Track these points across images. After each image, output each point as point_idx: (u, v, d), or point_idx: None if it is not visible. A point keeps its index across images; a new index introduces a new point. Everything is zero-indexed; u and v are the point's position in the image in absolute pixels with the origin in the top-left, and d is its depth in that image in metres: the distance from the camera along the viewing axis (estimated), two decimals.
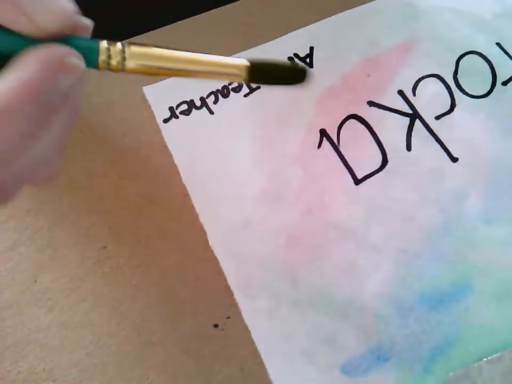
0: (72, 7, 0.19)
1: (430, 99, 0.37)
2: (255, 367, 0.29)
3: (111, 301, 0.31)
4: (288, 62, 0.24)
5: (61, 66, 0.19)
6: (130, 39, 0.20)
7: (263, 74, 0.23)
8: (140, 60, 0.20)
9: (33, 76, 0.18)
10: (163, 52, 0.21)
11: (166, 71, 0.21)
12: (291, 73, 0.24)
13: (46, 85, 0.19)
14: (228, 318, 0.30)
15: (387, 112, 0.36)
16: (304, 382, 0.29)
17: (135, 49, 0.20)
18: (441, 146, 0.35)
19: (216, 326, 0.30)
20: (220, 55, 0.42)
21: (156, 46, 0.21)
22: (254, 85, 0.37)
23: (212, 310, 0.30)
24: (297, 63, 0.23)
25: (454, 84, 0.37)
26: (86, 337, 0.30)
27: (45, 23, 0.19)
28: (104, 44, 0.20)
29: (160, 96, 0.37)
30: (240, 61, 0.22)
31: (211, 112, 0.36)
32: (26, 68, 0.18)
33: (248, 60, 0.22)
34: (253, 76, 0.22)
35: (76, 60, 0.19)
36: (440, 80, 0.37)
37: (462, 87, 0.37)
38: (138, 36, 0.39)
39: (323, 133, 0.35)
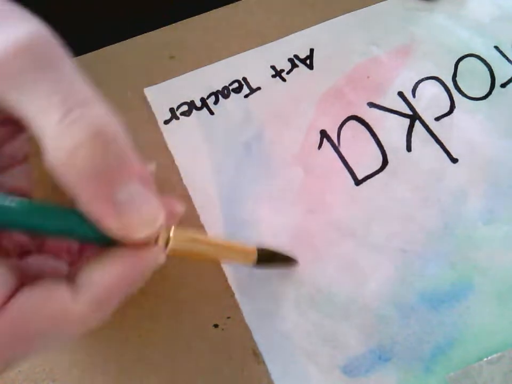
0: (163, 217, 0.21)
1: (430, 101, 0.37)
2: (255, 367, 0.29)
3: None
4: (284, 252, 0.30)
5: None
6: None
7: (267, 259, 0.29)
8: (179, 242, 0.23)
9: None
10: (199, 239, 0.25)
11: (198, 255, 0.25)
12: (286, 261, 0.30)
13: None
14: (228, 318, 0.30)
15: (387, 113, 0.36)
16: (305, 382, 0.28)
17: (177, 232, 0.22)
18: (441, 147, 0.35)
19: (216, 326, 0.30)
20: (220, 55, 0.43)
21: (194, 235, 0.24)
22: (254, 86, 0.37)
23: (212, 310, 0.30)
24: (289, 255, 0.31)
25: (453, 86, 0.37)
26: (86, 337, 0.30)
27: (135, 235, 0.19)
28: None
29: (161, 97, 0.37)
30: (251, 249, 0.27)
31: (211, 113, 0.36)
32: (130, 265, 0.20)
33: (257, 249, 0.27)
34: (260, 260, 0.28)
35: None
36: (439, 82, 0.37)
37: (461, 89, 0.37)
38: (138, 36, 0.39)
39: (323, 134, 0.35)
